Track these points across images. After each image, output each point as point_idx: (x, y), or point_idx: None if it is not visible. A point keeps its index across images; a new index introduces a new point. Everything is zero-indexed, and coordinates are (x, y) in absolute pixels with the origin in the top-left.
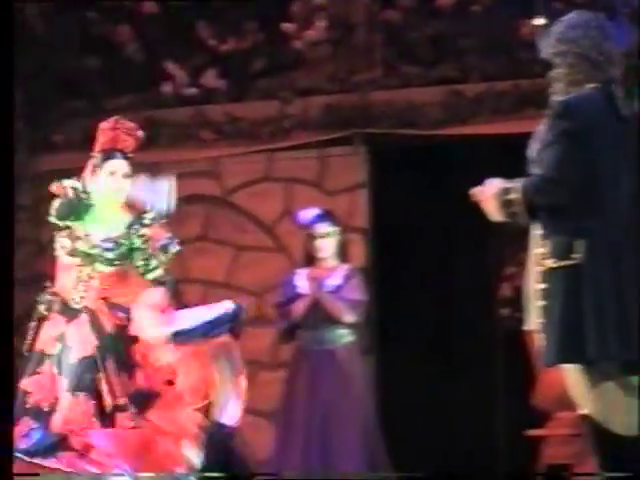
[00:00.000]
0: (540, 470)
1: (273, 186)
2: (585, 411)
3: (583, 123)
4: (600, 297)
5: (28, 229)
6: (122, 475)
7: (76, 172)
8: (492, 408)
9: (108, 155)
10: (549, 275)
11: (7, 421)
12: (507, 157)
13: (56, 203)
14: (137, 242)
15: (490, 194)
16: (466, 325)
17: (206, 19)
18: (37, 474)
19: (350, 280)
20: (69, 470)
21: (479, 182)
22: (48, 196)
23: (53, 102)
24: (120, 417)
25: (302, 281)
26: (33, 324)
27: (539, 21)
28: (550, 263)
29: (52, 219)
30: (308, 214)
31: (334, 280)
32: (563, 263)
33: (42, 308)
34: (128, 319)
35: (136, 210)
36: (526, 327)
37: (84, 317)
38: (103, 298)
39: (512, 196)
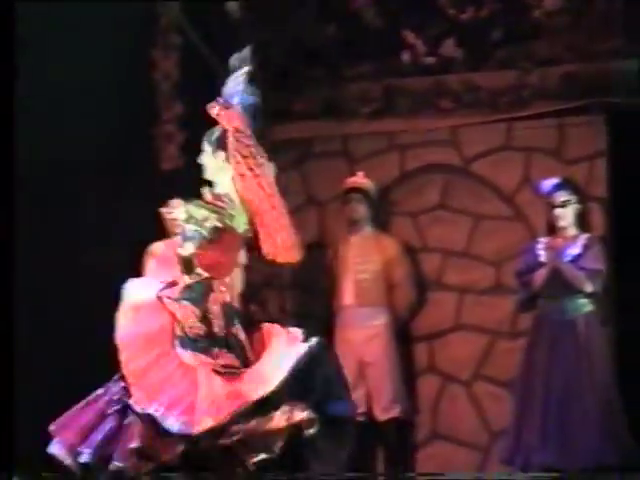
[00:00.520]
0: None
1: (512, 155)
2: None
3: None
4: None
5: None
6: None
7: (315, 141)
8: None
9: None
10: None
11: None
12: None
13: None
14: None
15: None
16: None
17: None
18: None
19: (589, 249)
20: None
21: None
22: (287, 165)
23: (291, 70)
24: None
25: (542, 250)
26: None
27: None
28: None
29: None
30: (547, 183)
31: (573, 249)
32: None
33: None
34: None
35: None
36: None
37: None
38: None
39: None
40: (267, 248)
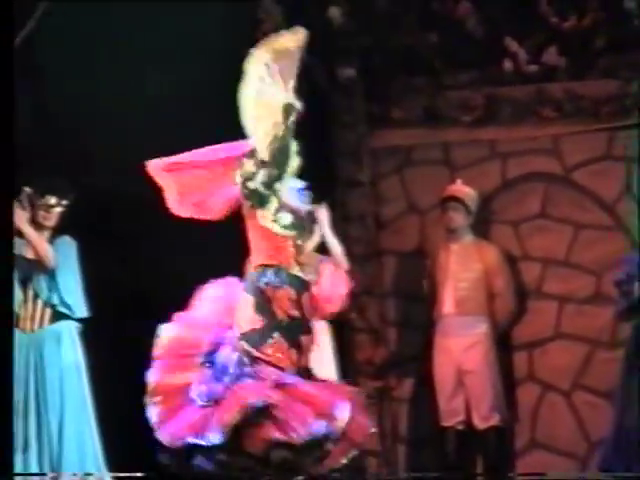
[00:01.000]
0: None
1: (613, 164)
2: None
3: None
4: None
5: (366, 205)
6: None
7: (415, 148)
8: None
9: None
10: None
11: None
12: None
13: None
14: None
15: None
16: None
17: None
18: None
19: None
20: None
21: None
22: (386, 172)
23: (392, 77)
24: None
25: None
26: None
27: None
28: None
29: None
30: None
31: None
32: None
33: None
34: None
35: None
36: None
37: None
38: None
39: None
40: None
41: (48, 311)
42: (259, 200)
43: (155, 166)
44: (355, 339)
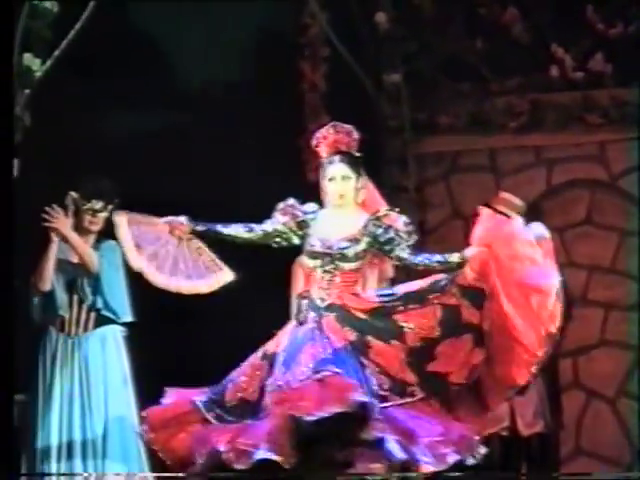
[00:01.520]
0: None
1: None
2: None
3: None
4: None
5: (411, 211)
6: None
7: (461, 154)
8: None
9: (329, 161)
10: None
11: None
12: None
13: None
14: (378, 233)
15: None
16: None
17: (594, 3)
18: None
19: None
20: None
21: None
22: (432, 178)
23: (438, 83)
24: None
25: None
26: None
27: None
28: None
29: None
30: None
31: None
32: None
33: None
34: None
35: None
36: None
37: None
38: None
39: None
40: None
41: (93, 315)
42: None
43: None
44: None
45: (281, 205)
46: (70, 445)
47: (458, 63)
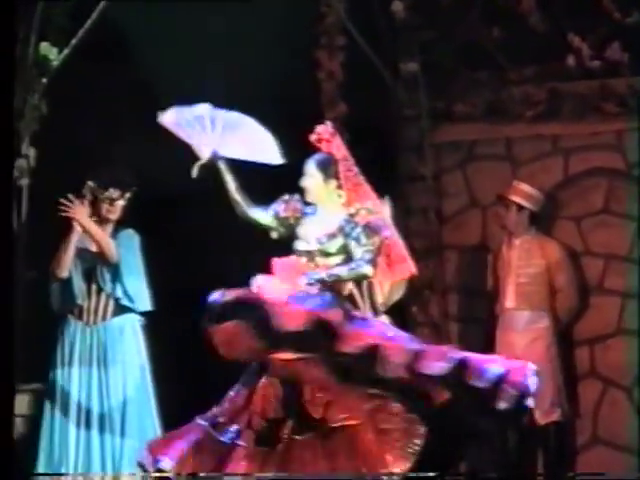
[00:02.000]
0: None
1: None
2: None
3: None
4: None
5: (428, 200)
6: None
7: (478, 143)
8: None
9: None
10: None
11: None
12: None
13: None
14: (347, 231)
15: None
16: None
17: None
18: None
19: None
20: None
21: None
22: (449, 167)
23: (455, 72)
24: None
25: None
26: None
27: None
28: None
29: None
30: None
31: None
32: None
33: None
34: None
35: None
36: None
37: None
38: None
39: None
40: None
41: (111, 304)
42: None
43: None
44: (416, 333)
45: (286, 197)
46: (88, 433)
47: (475, 52)
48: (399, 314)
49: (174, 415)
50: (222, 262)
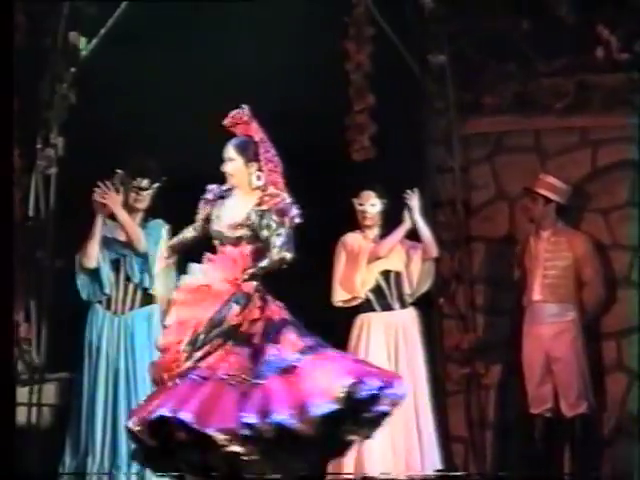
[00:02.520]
0: None
1: None
2: None
3: None
4: None
5: (456, 191)
6: None
7: (506, 135)
8: None
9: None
10: None
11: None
12: None
13: None
14: (253, 219)
15: None
16: None
17: None
18: None
19: None
20: None
21: None
22: (477, 159)
23: (483, 64)
24: None
25: None
26: None
27: None
28: None
29: None
30: None
31: None
32: None
33: None
34: None
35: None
36: None
37: None
38: None
39: None
40: None
41: (139, 293)
42: None
43: None
44: (443, 325)
45: (205, 195)
46: (115, 422)
47: (504, 44)
48: (426, 305)
49: None
50: None
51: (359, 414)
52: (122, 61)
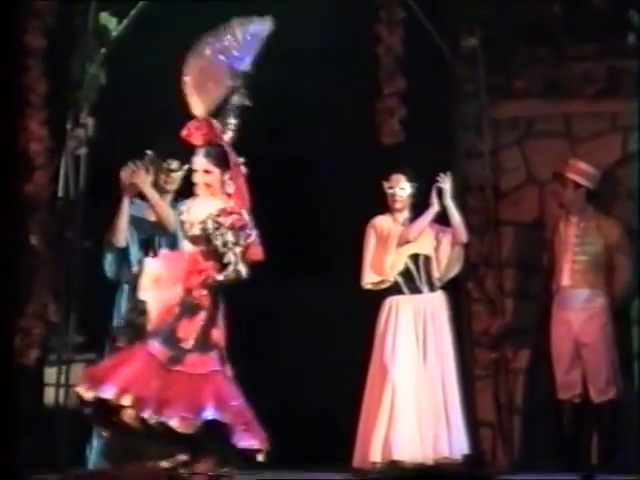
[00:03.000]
0: None
1: None
2: None
3: None
4: None
5: (486, 175)
6: None
7: (536, 120)
8: None
9: (196, 152)
10: None
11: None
12: None
13: None
14: (209, 230)
15: None
16: None
17: None
18: None
19: None
20: None
21: None
22: (507, 143)
23: (515, 48)
24: None
25: None
26: None
27: None
28: None
29: None
30: None
31: None
32: None
33: None
34: None
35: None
36: None
37: None
38: None
39: None
40: None
41: None
42: None
43: None
44: (472, 309)
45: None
46: None
47: (535, 28)
48: (455, 289)
49: None
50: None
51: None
52: (152, 42)
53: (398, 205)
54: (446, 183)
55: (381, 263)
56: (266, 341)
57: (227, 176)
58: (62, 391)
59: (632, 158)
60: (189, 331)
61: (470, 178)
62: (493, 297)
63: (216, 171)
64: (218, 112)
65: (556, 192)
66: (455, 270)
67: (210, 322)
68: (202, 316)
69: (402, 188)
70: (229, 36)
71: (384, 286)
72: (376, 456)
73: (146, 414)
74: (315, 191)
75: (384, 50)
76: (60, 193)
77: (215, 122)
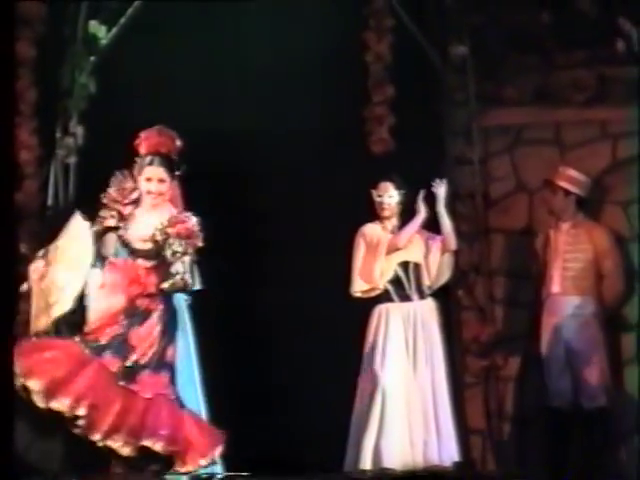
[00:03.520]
0: None
1: None
2: None
3: None
4: None
5: (476, 183)
6: None
7: (526, 127)
8: None
9: (149, 161)
10: None
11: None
12: None
13: None
14: (158, 240)
15: None
16: None
17: None
18: None
19: None
20: None
21: None
22: (497, 151)
23: (504, 56)
24: None
25: None
26: None
27: None
28: None
29: None
30: None
31: None
32: None
33: None
34: None
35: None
36: None
37: None
38: None
39: None
40: None
41: None
42: None
43: None
44: (462, 317)
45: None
46: None
47: (524, 36)
48: (445, 297)
49: (219, 393)
50: (270, 240)
51: None
52: (141, 50)
53: (386, 213)
54: (441, 189)
55: (370, 271)
56: (254, 350)
57: (172, 185)
58: None
59: (622, 165)
60: (141, 338)
61: (460, 186)
62: (483, 304)
63: (168, 179)
64: None
65: (546, 199)
66: (445, 278)
67: (166, 338)
68: (152, 323)
69: (390, 196)
70: None
71: (374, 294)
72: (366, 463)
73: (96, 436)
74: (303, 199)
75: (373, 58)
76: (50, 202)
77: (167, 131)
